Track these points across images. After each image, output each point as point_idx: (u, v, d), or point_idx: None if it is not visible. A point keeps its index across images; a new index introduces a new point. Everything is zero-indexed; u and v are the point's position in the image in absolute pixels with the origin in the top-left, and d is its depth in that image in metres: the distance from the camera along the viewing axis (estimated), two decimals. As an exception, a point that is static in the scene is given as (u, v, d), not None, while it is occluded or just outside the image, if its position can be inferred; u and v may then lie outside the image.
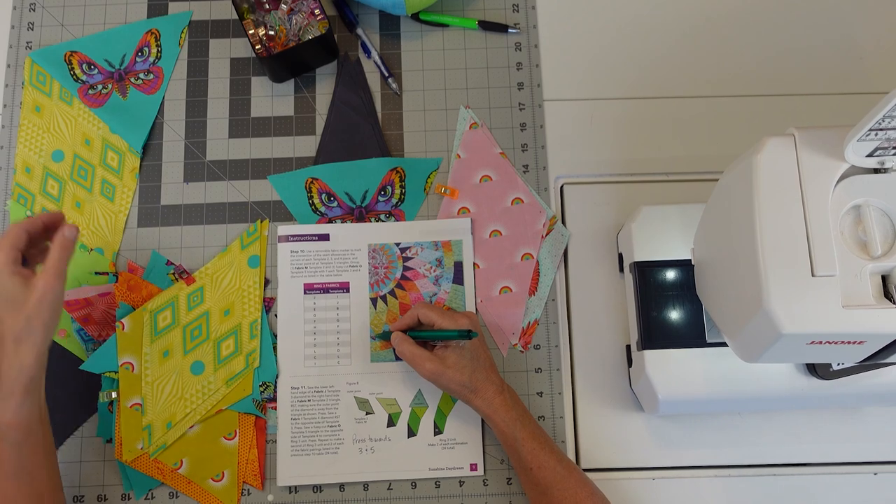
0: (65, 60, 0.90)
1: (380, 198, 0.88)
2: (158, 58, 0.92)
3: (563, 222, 0.88)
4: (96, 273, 0.85)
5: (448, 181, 0.88)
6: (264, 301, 0.84)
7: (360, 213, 0.87)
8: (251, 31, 0.86)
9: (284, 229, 0.86)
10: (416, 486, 0.81)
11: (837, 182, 0.59)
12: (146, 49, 0.92)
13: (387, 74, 0.91)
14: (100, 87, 0.90)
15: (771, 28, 0.93)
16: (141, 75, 0.91)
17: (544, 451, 0.74)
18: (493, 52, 0.92)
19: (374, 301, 0.85)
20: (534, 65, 0.92)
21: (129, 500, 0.80)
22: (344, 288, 0.85)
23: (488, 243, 0.86)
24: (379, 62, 0.92)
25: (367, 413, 0.82)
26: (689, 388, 0.74)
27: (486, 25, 0.93)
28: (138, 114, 0.90)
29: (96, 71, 0.90)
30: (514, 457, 0.76)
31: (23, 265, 0.68)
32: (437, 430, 0.82)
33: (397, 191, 0.88)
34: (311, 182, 0.88)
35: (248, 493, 0.80)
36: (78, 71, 0.90)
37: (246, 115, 0.91)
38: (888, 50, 0.93)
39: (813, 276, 0.57)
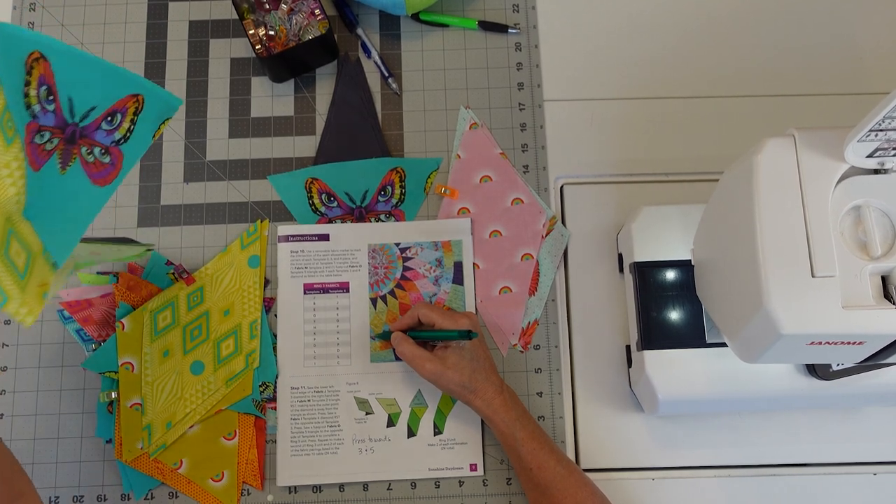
0: (26, 64, 0.54)
1: (380, 198, 0.88)
2: (126, 137, 0.62)
3: (563, 222, 0.88)
4: (98, 273, 0.85)
5: (448, 181, 0.88)
6: (264, 301, 0.84)
7: (359, 214, 0.87)
8: (251, 31, 0.86)
9: (284, 229, 0.86)
10: (415, 486, 0.81)
11: (837, 183, 0.59)
12: (119, 115, 0.61)
13: (387, 74, 0.91)
14: (47, 135, 0.57)
15: (771, 28, 0.93)
16: (96, 151, 0.61)
17: (544, 451, 0.74)
18: (493, 52, 0.92)
19: (373, 301, 0.85)
20: (534, 65, 0.92)
21: (128, 500, 0.80)
22: (344, 288, 0.85)
23: (488, 243, 0.86)
24: (379, 62, 0.92)
25: (367, 413, 0.82)
26: (688, 388, 0.74)
27: (486, 26, 0.93)
28: (73, 206, 0.60)
29: (52, 107, 0.57)
30: (514, 457, 0.76)
31: None
32: (437, 431, 0.82)
33: (397, 191, 0.88)
34: (311, 182, 0.88)
35: (248, 493, 0.80)
36: (33, 92, 0.55)
37: (246, 115, 0.91)
38: (888, 50, 0.93)
39: (813, 276, 0.57)
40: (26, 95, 0.55)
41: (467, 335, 0.74)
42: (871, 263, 0.58)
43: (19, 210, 0.55)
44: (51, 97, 0.56)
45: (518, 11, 0.94)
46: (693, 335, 0.75)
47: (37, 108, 0.56)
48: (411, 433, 0.82)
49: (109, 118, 0.61)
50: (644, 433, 0.81)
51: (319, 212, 0.88)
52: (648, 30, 0.93)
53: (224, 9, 0.94)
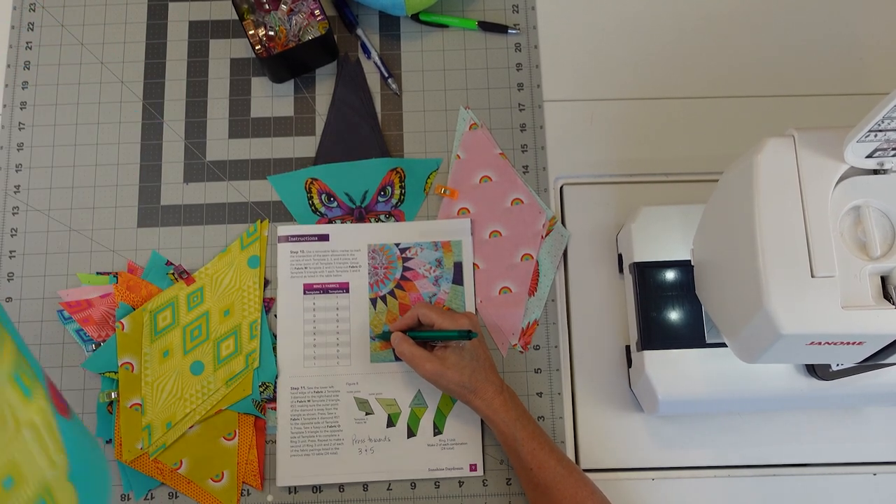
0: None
1: (379, 198, 0.88)
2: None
3: (563, 223, 0.88)
4: (98, 273, 0.85)
5: (448, 182, 0.88)
6: (264, 301, 0.84)
7: (359, 214, 0.87)
8: (251, 32, 0.86)
9: (284, 229, 0.86)
10: (415, 486, 0.81)
11: (837, 183, 0.59)
12: None
13: (387, 75, 0.91)
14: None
15: (771, 28, 0.93)
16: None
17: (544, 451, 0.74)
18: (493, 52, 0.92)
19: (373, 301, 0.85)
20: (533, 65, 0.92)
21: (128, 500, 0.80)
22: (344, 288, 0.85)
23: (488, 244, 0.86)
24: (379, 63, 0.92)
25: (367, 413, 0.82)
26: (688, 388, 0.74)
27: (486, 26, 0.93)
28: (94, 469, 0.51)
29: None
30: (514, 457, 0.76)
31: None
32: (437, 431, 0.82)
33: (397, 191, 0.88)
34: (311, 182, 0.88)
35: (248, 494, 0.80)
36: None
37: (246, 115, 0.91)
38: (888, 50, 0.93)
39: (812, 276, 0.57)
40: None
41: (467, 335, 0.74)
42: (871, 264, 0.58)
43: (61, 475, 0.46)
44: None
45: (518, 12, 0.94)
46: (693, 335, 0.75)
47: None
48: (411, 433, 0.82)
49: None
50: (644, 433, 0.81)
51: (319, 212, 0.88)
52: (648, 30, 0.93)
53: (224, 9, 0.94)
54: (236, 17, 0.91)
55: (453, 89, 0.91)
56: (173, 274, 0.85)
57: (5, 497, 0.43)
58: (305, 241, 0.86)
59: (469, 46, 0.93)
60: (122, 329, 0.82)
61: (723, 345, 0.73)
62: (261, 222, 0.87)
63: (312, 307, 0.85)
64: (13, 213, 0.87)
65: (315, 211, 0.88)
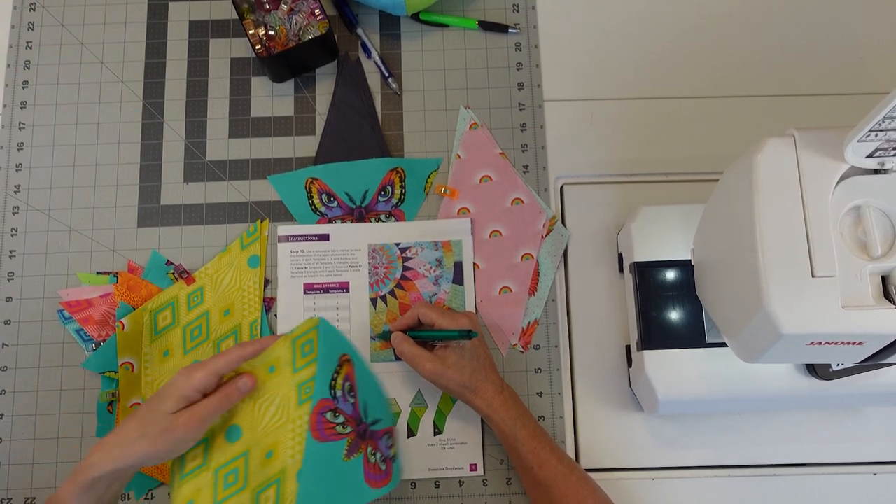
0: (339, 359, 0.69)
1: (380, 198, 0.88)
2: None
3: (563, 222, 0.88)
4: (98, 273, 0.85)
5: (448, 181, 0.88)
6: (264, 301, 0.84)
7: (359, 214, 0.87)
8: (251, 31, 0.86)
9: (284, 229, 0.86)
10: (415, 486, 0.81)
11: (837, 183, 0.59)
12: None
13: (387, 74, 0.91)
14: (341, 418, 0.68)
15: (771, 28, 0.94)
16: (377, 456, 0.69)
17: (545, 450, 0.74)
18: (494, 52, 0.92)
19: (373, 301, 0.85)
20: (534, 65, 0.92)
21: (128, 499, 0.80)
22: (344, 288, 0.85)
23: (488, 243, 0.86)
24: (379, 62, 0.92)
25: (367, 413, 0.82)
26: (688, 388, 0.74)
27: (487, 26, 0.93)
28: (341, 495, 0.66)
29: (352, 402, 0.70)
30: (515, 456, 0.76)
31: None
32: (437, 431, 0.82)
33: (397, 191, 0.88)
34: (311, 182, 0.88)
35: (248, 493, 0.80)
36: (339, 382, 0.69)
37: (246, 115, 0.91)
38: (888, 50, 0.93)
39: (813, 276, 0.57)
40: (333, 380, 0.68)
41: (467, 335, 0.74)
42: (871, 263, 0.58)
43: (292, 471, 0.64)
44: (352, 393, 0.69)
45: (518, 11, 0.94)
46: (693, 335, 0.75)
47: (339, 393, 0.68)
48: (411, 433, 0.82)
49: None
50: (644, 433, 0.81)
51: (319, 212, 0.88)
52: (648, 30, 0.93)
53: (224, 9, 0.94)
54: (236, 17, 0.91)
55: (453, 89, 0.91)
56: (173, 274, 0.85)
57: (265, 463, 0.64)
58: (305, 240, 0.86)
59: (469, 46, 0.93)
60: (123, 329, 0.82)
61: (723, 345, 0.73)
62: (261, 222, 0.87)
63: (312, 307, 0.85)
64: (13, 213, 0.87)
65: (315, 211, 0.88)
